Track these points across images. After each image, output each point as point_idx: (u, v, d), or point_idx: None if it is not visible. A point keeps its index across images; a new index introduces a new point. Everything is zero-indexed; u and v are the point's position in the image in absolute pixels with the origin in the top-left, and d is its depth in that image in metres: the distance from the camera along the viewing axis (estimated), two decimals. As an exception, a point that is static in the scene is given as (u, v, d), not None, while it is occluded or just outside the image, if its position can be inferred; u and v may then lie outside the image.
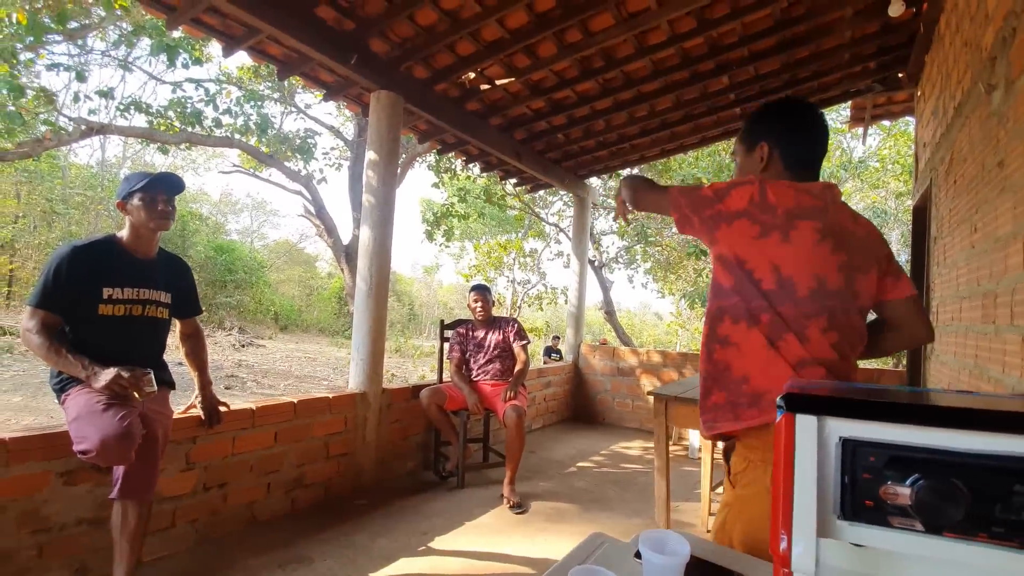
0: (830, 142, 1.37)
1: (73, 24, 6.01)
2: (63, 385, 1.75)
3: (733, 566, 0.86)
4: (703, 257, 9.19)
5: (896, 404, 0.40)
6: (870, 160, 12.17)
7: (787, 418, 0.42)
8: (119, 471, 1.72)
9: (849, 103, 4.48)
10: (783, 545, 0.39)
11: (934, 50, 3.04)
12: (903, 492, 0.38)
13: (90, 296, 1.75)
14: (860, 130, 5.17)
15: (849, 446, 0.41)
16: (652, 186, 1.22)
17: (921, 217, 3.65)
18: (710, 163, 8.43)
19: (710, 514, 2.75)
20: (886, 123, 10.50)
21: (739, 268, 1.04)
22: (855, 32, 3.23)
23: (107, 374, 1.65)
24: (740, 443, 1.10)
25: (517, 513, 2.87)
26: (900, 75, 3.73)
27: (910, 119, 5.05)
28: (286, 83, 8.65)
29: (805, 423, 0.41)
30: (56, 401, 1.77)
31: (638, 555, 0.86)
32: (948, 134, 2.64)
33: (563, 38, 3.09)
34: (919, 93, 3.63)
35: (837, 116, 10.84)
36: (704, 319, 1.14)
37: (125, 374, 1.65)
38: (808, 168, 1.15)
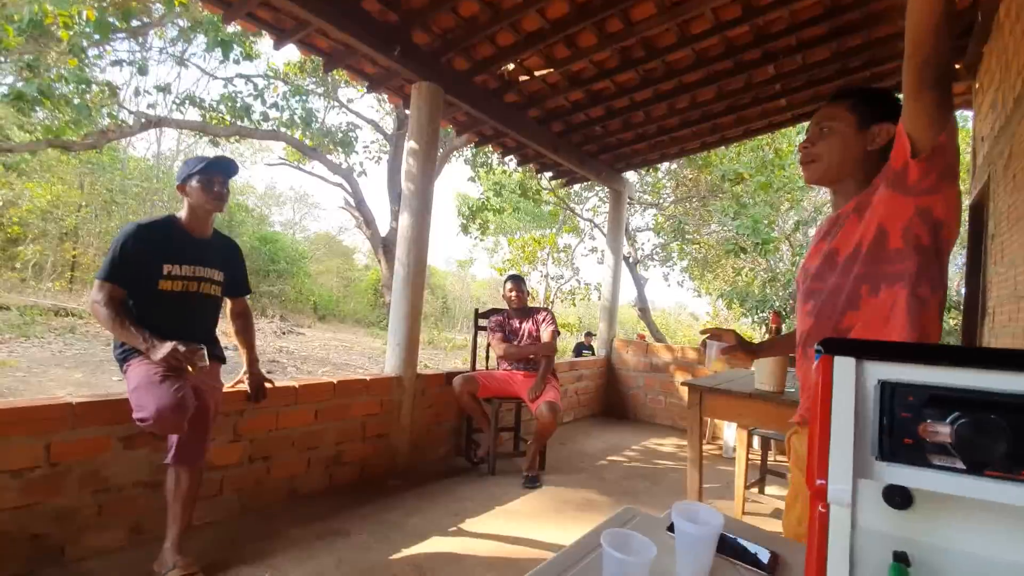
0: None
1: (135, 22, 6.34)
2: (125, 356, 1.87)
3: (765, 543, 0.86)
4: (743, 255, 8.96)
5: (934, 346, 0.40)
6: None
7: (824, 360, 0.43)
8: (173, 439, 1.83)
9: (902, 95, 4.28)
10: (819, 482, 0.40)
11: (993, 40, 2.88)
12: (943, 430, 0.38)
13: (151, 271, 1.87)
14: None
15: (888, 388, 0.41)
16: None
17: (978, 215, 3.46)
18: (753, 158, 8.20)
19: (744, 512, 2.71)
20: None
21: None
22: (912, 19, 3.08)
23: (165, 348, 1.75)
24: None
25: (528, 487, 3.00)
26: (957, 66, 3.54)
27: (966, 113, 4.77)
28: (329, 78, 8.89)
29: (843, 365, 0.42)
30: (119, 377, 1.90)
31: (670, 529, 0.87)
32: (1007, 127, 2.50)
33: (604, 27, 3.07)
34: (977, 85, 3.44)
35: (891, 110, 10.34)
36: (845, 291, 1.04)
37: (181, 348, 1.76)
38: None
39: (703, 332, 1.43)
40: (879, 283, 1.00)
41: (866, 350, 0.42)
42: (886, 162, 1.06)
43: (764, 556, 0.81)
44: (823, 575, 0.41)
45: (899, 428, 0.40)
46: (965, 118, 9.91)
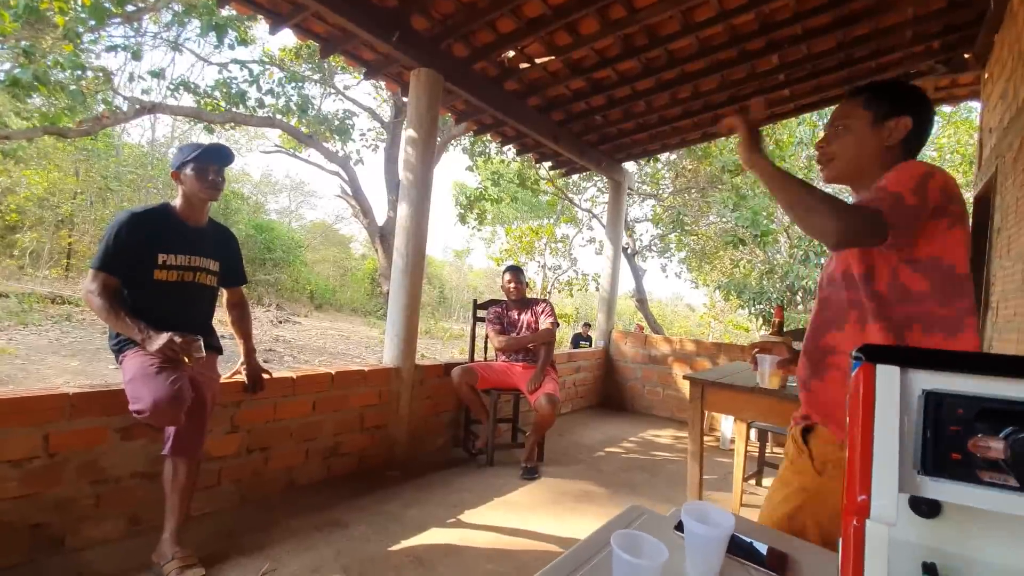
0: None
1: (130, 7, 6.22)
2: (120, 346, 1.85)
3: (773, 543, 0.85)
4: (741, 247, 8.94)
5: (986, 355, 0.38)
6: (927, 149, 11.54)
7: (866, 369, 0.41)
8: (170, 430, 1.81)
9: (909, 85, 4.24)
10: (860, 498, 0.38)
11: (1005, 29, 2.84)
12: (996, 445, 0.36)
13: (146, 261, 1.84)
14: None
15: (933, 398, 0.39)
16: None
17: (983, 208, 3.45)
18: (753, 149, 8.13)
19: (742, 504, 2.72)
20: (947, 109, 9.91)
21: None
22: (919, 9, 3.04)
23: (160, 339, 1.73)
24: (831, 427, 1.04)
25: (526, 478, 3.00)
26: (966, 56, 3.50)
27: (973, 105, 4.74)
28: (326, 65, 8.77)
29: (887, 374, 0.39)
30: (116, 365, 1.87)
31: (678, 528, 0.86)
32: (1018, 118, 2.47)
33: (606, 14, 3.01)
34: (986, 75, 3.40)
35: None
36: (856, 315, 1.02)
37: (177, 339, 1.73)
38: (915, 158, 1.09)
39: (752, 347, 1.36)
40: (867, 315, 0.99)
41: (911, 358, 0.40)
42: (906, 155, 1.04)
43: (773, 556, 0.80)
44: (858, 593, 0.39)
45: (946, 442, 0.38)
46: (970, 110, 9.89)
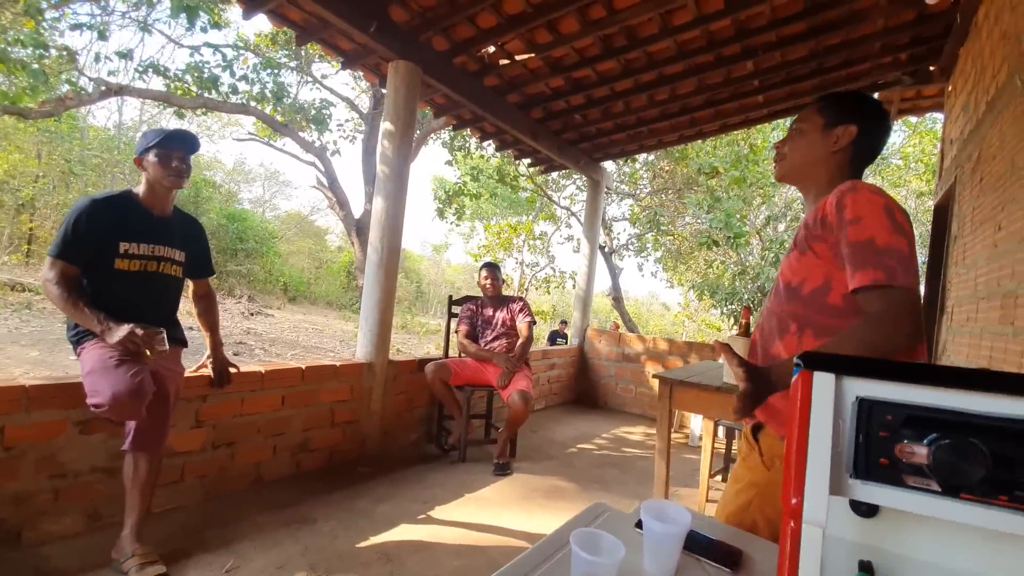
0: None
1: (95, -18, 5.98)
2: (79, 338, 1.79)
3: (730, 540, 0.87)
4: (715, 248, 9.11)
5: (916, 365, 0.40)
6: (892, 158, 11.91)
7: (804, 375, 0.42)
8: (131, 424, 1.76)
9: (875, 95, 4.37)
10: (794, 500, 0.39)
11: (969, 42, 2.95)
12: (920, 451, 0.38)
13: (107, 249, 1.78)
14: (885, 125, 5.04)
15: (866, 405, 0.41)
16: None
17: (942, 217, 3.58)
18: (728, 152, 8.29)
19: (708, 500, 2.78)
20: (912, 119, 10.25)
21: None
22: (889, 20, 3.14)
23: (121, 331, 1.68)
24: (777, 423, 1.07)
25: (499, 474, 3.02)
26: (931, 68, 3.62)
27: (937, 116, 4.91)
28: (303, 52, 8.58)
29: (822, 380, 0.41)
30: (72, 354, 1.81)
31: (638, 525, 0.88)
32: (978, 130, 2.57)
33: (587, 14, 3.02)
34: (950, 88, 3.53)
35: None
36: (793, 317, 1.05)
37: (139, 331, 1.68)
38: (862, 171, 1.13)
39: (718, 345, 1.34)
40: (806, 328, 1.02)
41: (846, 366, 0.41)
42: (855, 163, 1.08)
43: (727, 551, 0.83)
44: (793, 590, 0.41)
45: (876, 447, 0.40)
46: (935, 120, 10.24)
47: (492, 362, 3.33)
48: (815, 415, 0.41)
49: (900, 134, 11.72)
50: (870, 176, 11.60)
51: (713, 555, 0.80)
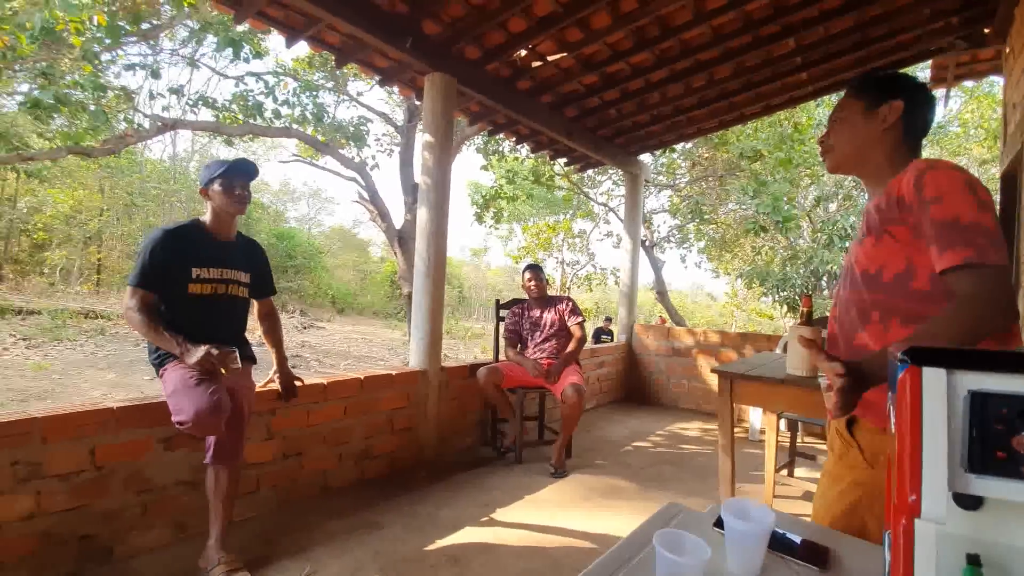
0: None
1: (145, 25, 6.38)
2: (161, 360, 1.91)
3: (814, 537, 0.85)
4: (763, 234, 8.80)
5: None
6: (950, 125, 11.19)
7: (912, 371, 0.41)
8: (211, 439, 1.87)
9: (928, 63, 4.12)
10: (912, 498, 0.38)
11: (1024, 1, 2.74)
12: None
13: (181, 276, 1.90)
14: (942, 92, 4.74)
15: (979, 398, 0.39)
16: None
17: (1010, 185, 3.33)
18: (771, 133, 7.99)
19: (775, 496, 2.69)
20: (968, 84, 9.59)
21: None
22: (938, -17, 2.96)
23: (198, 351, 1.79)
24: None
25: (554, 475, 3.03)
26: (986, 31, 3.39)
27: (996, 79, 4.59)
28: (339, 72, 8.86)
29: (933, 376, 0.40)
30: (150, 376, 1.94)
31: (717, 524, 0.87)
32: (1046, 91, 2.39)
33: (617, 8, 2.99)
34: (1007, 49, 3.29)
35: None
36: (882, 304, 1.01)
37: (214, 351, 1.79)
38: (919, 147, 1.09)
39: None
40: (892, 316, 0.98)
41: (956, 360, 0.40)
42: (909, 139, 1.04)
43: (814, 550, 0.80)
44: (912, 590, 0.40)
45: (992, 440, 0.38)
46: (992, 83, 9.56)
47: (546, 360, 3.33)
48: (927, 411, 0.39)
49: (957, 100, 10.98)
50: (927, 146, 10.92)
51: (800, 554, 0.78)
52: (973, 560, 0.44)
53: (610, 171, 10.81)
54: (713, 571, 0.74)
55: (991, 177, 9.58)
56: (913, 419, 0.40)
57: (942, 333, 0.83)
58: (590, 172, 11.14)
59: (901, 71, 1.13)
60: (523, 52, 3.37)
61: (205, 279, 1.94)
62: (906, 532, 0.40)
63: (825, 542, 0.83)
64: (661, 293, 11.31)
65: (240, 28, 6.30)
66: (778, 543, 0.80)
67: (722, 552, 0.76)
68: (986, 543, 0.45)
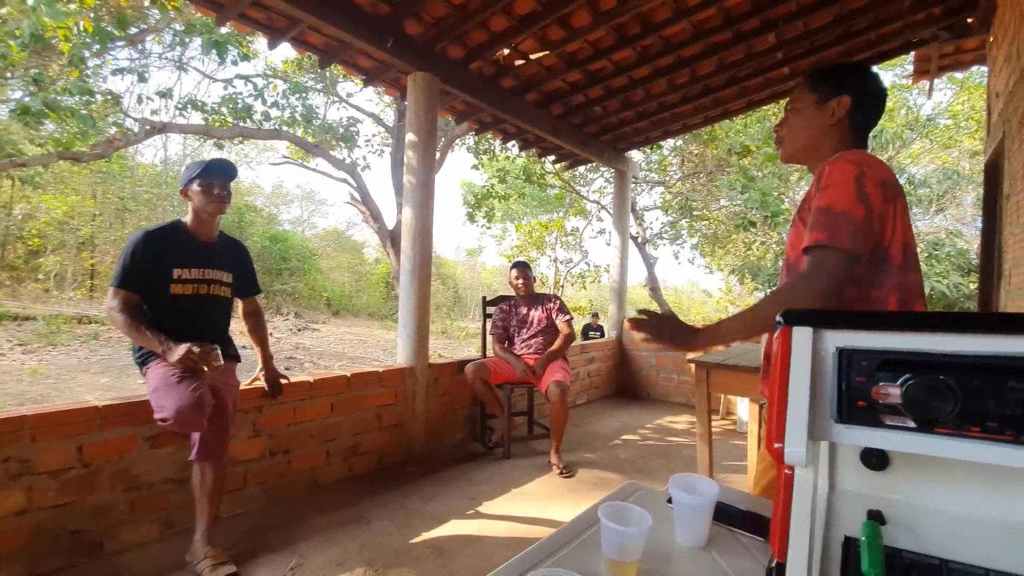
0: (892, 100, 1.29)
1: (132, 29, 6.38)
2: (144, 359, 1.93)
3: (758, 510, 0.88)
4: (753, 229, 8.86)
5: (886, 313, 0.42)
6: (940, 118, 11.26)
7: (784, 331, 0.45)
8: (195, 436, 1.90)
9: (911, 55, 4.16)
10: (776, 445, 0.42)
11: (1007, -12, 2.79)
12: (893, 391, 0.40)
13: (162, 276, 1.92)
14: (926, 84, 4.79)
15: (845, 354, 0.43)
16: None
17: (993, 175, 3.39)
18: (759, 129, 8.05)
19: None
20: (958, 75, 9.65)
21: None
22: (916, -24, 3.00)
23: (180, 349, 1.81)
24: None
25: (566, 477, 3.00)
26: (969, 20, 3.43)
27: (984, 68, 4.63)
28: (327, 73, 8.88)
29: (801, 334, 0.44)
30: (143, 380, 1.97)
31: (670, 501, 0.90)
32: (1022, 81, 2.43)
33: (597, 5, 3.02)
34: (991, 39, 3.34)
35: (902, 71, 10.03)
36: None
37: (196, 349, 1.81)
38: (866, 137, 1.12)
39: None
40: None
41: (823, 320, 0.44)
42: (856, 133, 1.07)
43: (755, 520, 0.84)
44: (787, 532, 0.43)
45: (854, 391, 0.42)
46: (983, 73, 9.62)
47: (533, 357, 3.37)
48: (794, 366, 0.43)
49: (947, 92, 11.05)
50: (916, 140, 11.00)
51: (745, 525, 0.82)
52: (874, 515, 0.47)
53: (601, 169, 10.85)
54: (664, 542, 0.78)
55: (980, 169, 9.65)
56: (782, 373, 0.43)
57: (767, 304, 0.95)
58: (581, 170, 11.19)
59: (856, 61, 1.16)
60: (506, 51, 3.39)
61: (187, 279, 1.96)
62: (786, 479, 0.44)
63: (766, 512, 0.87)
64: (653, 289, 11.36)
65: (224, 30, 6.30)
66: (725, 515, 0.83)
67: (673, 525, 0.79)
68: (893, 502, 0.48)
